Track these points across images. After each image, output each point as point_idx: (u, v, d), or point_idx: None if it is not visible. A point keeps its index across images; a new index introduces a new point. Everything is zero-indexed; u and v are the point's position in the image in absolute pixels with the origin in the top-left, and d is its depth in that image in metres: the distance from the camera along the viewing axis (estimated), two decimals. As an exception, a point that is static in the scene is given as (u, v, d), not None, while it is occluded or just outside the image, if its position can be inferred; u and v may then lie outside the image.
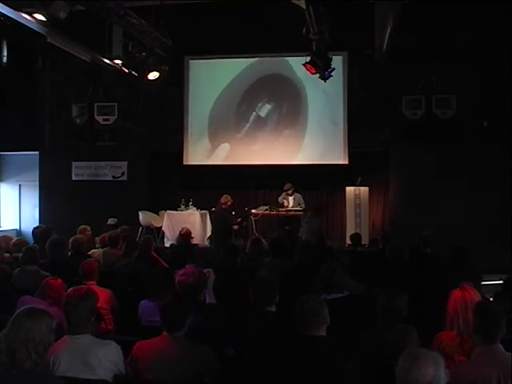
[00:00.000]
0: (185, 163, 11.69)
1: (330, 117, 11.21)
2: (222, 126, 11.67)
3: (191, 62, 11.77)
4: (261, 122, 11.54)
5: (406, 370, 2.25)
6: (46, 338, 2.49)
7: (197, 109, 11.75)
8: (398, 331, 3.32)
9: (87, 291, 3.26)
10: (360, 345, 3.34)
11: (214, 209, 10.13)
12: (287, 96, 11.47)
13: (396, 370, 2.29)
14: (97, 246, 7.23)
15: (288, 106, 11.48)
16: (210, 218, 10.47)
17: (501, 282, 4.49)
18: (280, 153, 11.30)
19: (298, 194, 10.52)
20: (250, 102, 11.58)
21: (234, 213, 10.08)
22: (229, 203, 9.80)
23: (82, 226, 7.33)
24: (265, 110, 11.54)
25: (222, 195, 9.90)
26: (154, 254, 6.34)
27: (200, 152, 11.78)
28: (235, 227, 9.73)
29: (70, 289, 3.32)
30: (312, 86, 10.88)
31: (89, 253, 6.46)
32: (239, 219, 10.22)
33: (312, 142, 11.28)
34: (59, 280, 4.13)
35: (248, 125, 11.58)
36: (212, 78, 11.72)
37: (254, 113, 11.56)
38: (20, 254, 5.48)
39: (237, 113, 11.63)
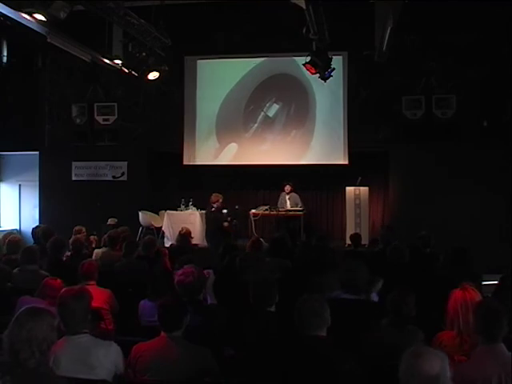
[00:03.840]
0: (192, 163, 11.62)
1: (336, 117, 11.16)
2: (230, 125, 11.61)
3: (198, 61, 11.72)
4: (269, 122, 11.49)
5: (412, 365, 2.23)
6: (49, 336, 2.48)
7: (204, 109, 11.70)
8: (407, 332, 3.29)
9: (80, 290, 3.24)
10: (368, 345, 3.31)
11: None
12: (295, 96, 11.40)
13: (400, 368, 2.27)
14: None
15: (296, 105, 11.42)
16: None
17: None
18: (287, 153, 11.26)
19: (295, 194, 10.51)
20: (258, 101, 11.53)
21: (225, 211, 9.96)
22: (220, 201, 9.73)
23: (78, 227, 7.32)
24: (273, 109, 11.50)
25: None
26: (166, 251, 6.37)
27: (207, 152, 11.73)
28: (225, 224, 9.68)
29: (62, 290, 3.29)
30: (320, 86, 10.78)
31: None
32: (229, 218, 10.04)
33: (319, 142, 11.25)
34: (59, 280, 4.12)
35: (256, 125, 11.54)
36: (220, 78, 11.67)
37: (262, 113, 11.52)
38: (16, 255, 5.45)
39: (244, 113, 11.59)
